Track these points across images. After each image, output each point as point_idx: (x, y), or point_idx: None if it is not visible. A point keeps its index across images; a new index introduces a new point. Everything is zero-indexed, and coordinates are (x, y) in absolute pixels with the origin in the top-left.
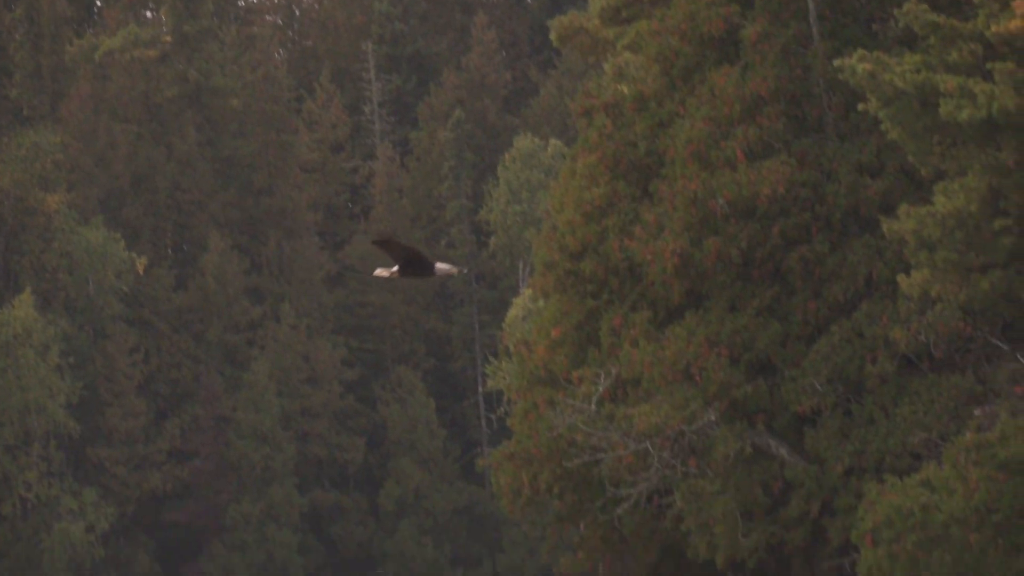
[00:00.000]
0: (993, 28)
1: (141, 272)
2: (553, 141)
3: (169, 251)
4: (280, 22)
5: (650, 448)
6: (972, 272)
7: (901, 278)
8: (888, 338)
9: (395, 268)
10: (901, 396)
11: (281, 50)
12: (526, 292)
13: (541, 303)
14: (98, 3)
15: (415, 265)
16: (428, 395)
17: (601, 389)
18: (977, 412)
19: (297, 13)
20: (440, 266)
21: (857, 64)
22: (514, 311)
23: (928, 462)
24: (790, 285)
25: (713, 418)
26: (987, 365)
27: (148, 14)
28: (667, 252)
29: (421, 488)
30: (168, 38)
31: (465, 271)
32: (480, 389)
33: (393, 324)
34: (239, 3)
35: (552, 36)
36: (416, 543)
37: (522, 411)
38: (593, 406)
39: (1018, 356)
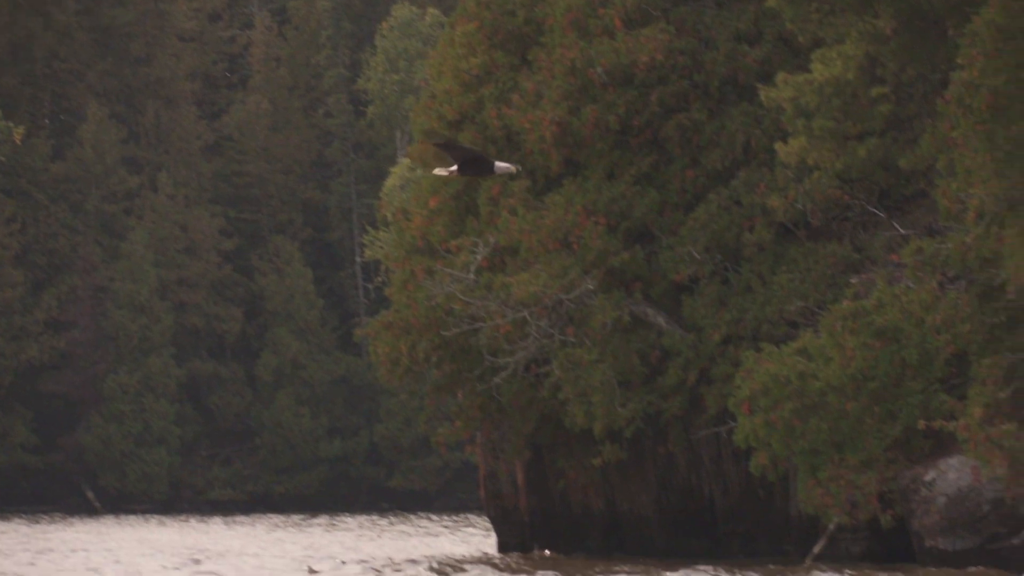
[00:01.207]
0: None
1: (18, 142)
2: (431, 10)
3: (46, 121)
4: None
5: (528, 317)
6: (849, 140)
7: (779, 146)
8: (765, 206)
9: (454, 167)
10: (778, 264)
11: None
12: (404, 161)
13: (419, 172)
14: None
15: (474, 164)
16: (306, 265)
17: (479, 258)
18: (854, 280)
19: None
20: (499, 165)
21: None
22: (392, 180)
23: (805, 330)
24: (668, 153)
25: (591, 287)
26: (864, 233)
27: None
28: (545, 121)
29: (298, 358)
30: None
31: (519, 169)
32: (358, 259)
33: (270, 194)
34: None
35: None
36: (293, 413)
37: (400, 281)
38: (471, 275)
39: (895, 224)
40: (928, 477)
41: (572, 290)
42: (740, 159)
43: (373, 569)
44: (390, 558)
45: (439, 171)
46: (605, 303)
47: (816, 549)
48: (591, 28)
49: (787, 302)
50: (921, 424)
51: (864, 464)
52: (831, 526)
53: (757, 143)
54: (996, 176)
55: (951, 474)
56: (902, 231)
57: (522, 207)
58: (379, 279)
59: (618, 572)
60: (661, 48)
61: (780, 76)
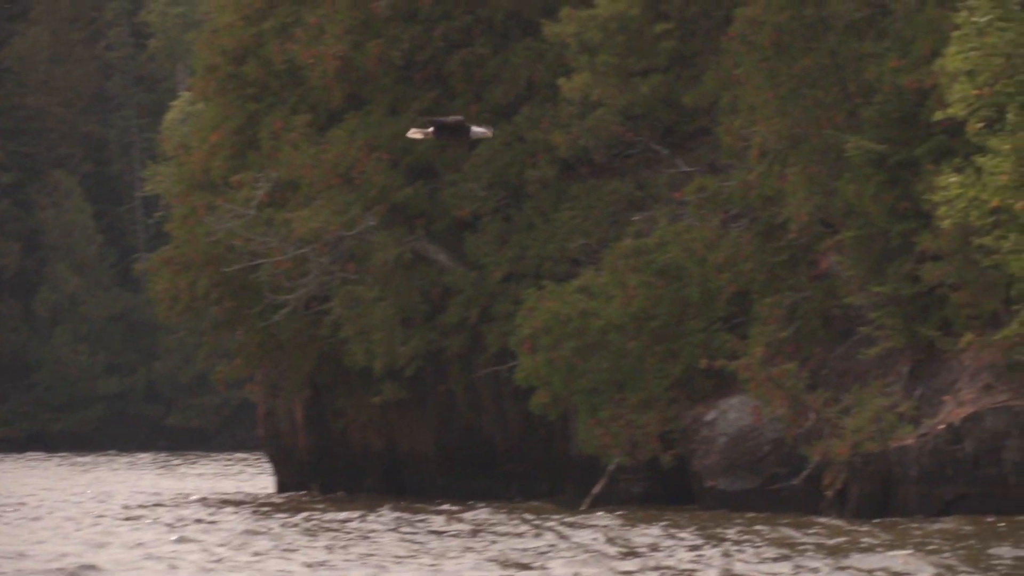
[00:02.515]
0: None
1: None
2: None
3: None
4: None
5: (309, 254)
6: (633, 76)
7: (562, 82)
8: (548, 143)
9: (430, 129)
10: (561, 202)
11: None
12: (185, 95)
13: (200, 106)
14: None
15: (451, 130)
16: (85, 199)
17: (260, 193)
18: (636, 218)
19: None
20: (475, 129)
21: None
22: (172, 114)
23: (587, 268)
24: (451, 88)
25: (373, 223)
26: (647, 170)
27: None
28: (328, 55)
29: (76, 294)
30: None
31: (494, 132)
32: (138, 194)
33: (50, 127)
34: None
35: None
36: (71, 350)
37: (180, 216)
38: (252, 211)
39: (677, 161)
40: (709, 417)
41: (354, 226)
42: (523, 95)
43: (142, 507)
44: (164, 497)
45: (414, 133)
46: (387, 240)
47: (596, 490)
48: None
49: (569, 240)
50: (702, 363)
51: (645, 404)
52: (611, 466)
53: (540, 79)
54: (779, 114)
55: (732, 414)
56: (685, 168)
57: (304, 142)
58: (159, 214)
59: (394, 511)
60: None
61: (564, 11)
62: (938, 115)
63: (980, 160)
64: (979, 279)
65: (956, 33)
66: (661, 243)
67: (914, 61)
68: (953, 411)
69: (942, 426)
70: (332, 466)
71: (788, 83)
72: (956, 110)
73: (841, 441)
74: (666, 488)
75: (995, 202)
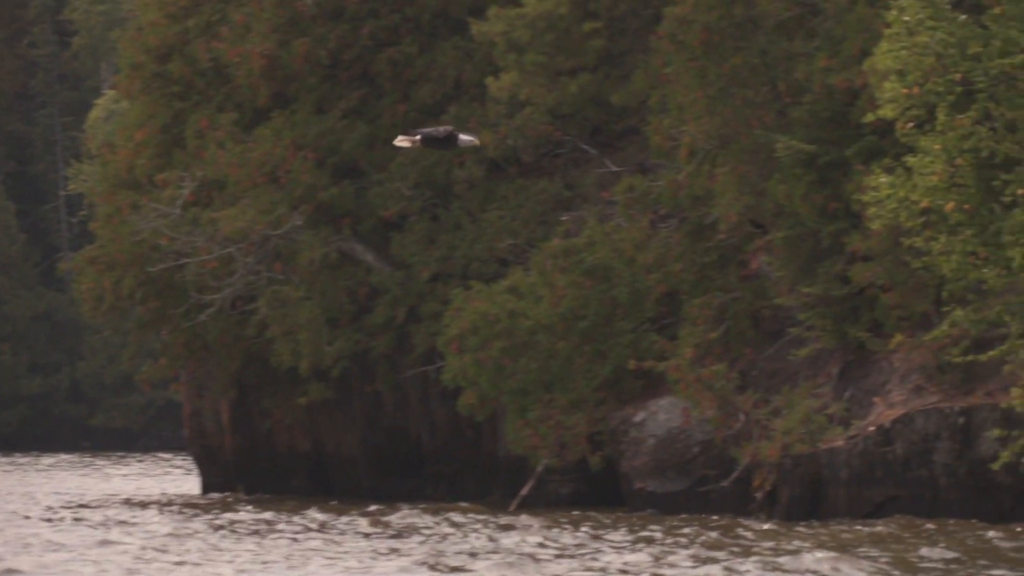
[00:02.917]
0: None
1: None
2: None
3: None
4: None
5: (235, 253)
6: (561, 75)
7: (490, 81)
8: None
9: (417, 137)
10: (489, 201)
11: None
12: (109, 93)
13: (125, 104)
14: None
15: (439, 139)
16: (7, 198)
17: (186, 192)
18: (564, 218)
19: None
20: (463, 138)
21: None
22: (96, 112)
23: (515, 268)
24: (379, 87)
25: (299, 222)
26: (575, 170)
27: None
28: (254, 53)
29: (0, 294)
30: None
31: (482, 144)
32: (62, 192)
33: None
34: None
35: None
36: None
37: (105, 215)
38: (177, 210)
39: (606, 161)
40: (638, 418)
41: (280, 226)
42: (451, 94)
43: (66, 508)
44: (89, 498)
45: (401, 141)
46: (313, 239)
47: (524, 491)
48: None
49: (497, 239)
50: (631, 364)
51: (573, 405)
52: (539, 468)
53: (468, 78)
54: (708, 113)
55: (661, 415)
56: (613, 168)
57: (230, 140)
58: (83, 213)
59: (320, 512)
60: None
61: (492, 10)
62: (869, 117)
63: (910, 160)
64: (909, 280)
65: (888, 31)
66: (590, 243)
67: (844, 61)
68: (883, 413)
69: (872, 428)
70: (258, 467)
71: (717, 82)
72: (886, 110)
73: (771, 443)
74: (595, 490)
75: (925, 203)
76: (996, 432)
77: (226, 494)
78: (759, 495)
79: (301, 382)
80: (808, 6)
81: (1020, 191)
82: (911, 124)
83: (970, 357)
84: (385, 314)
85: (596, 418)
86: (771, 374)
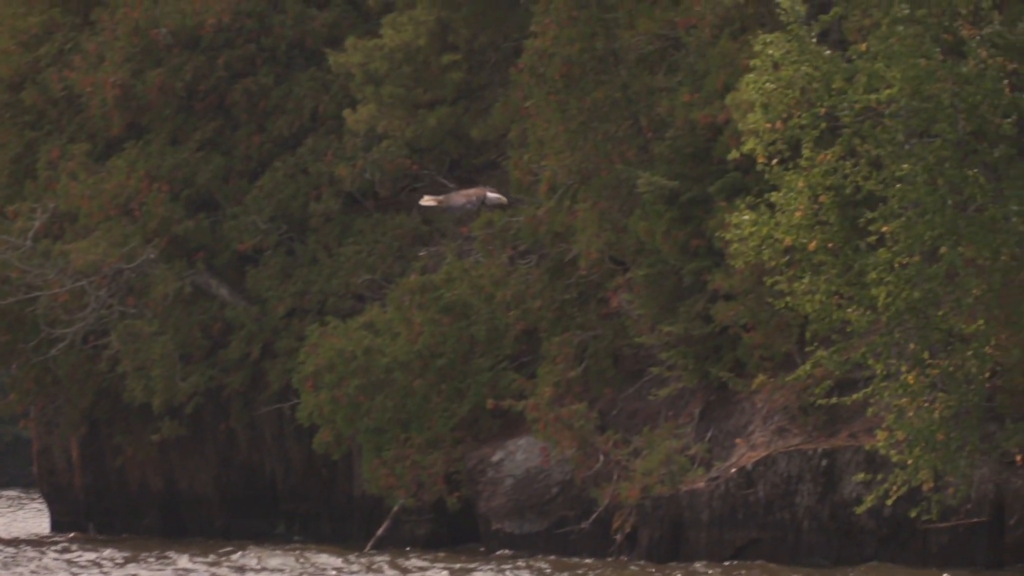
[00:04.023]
0: None
1: None
2: None
3: None
4: None
5: (87, 287)
6: (420, 108)
7: (347, 113)
8: (333, 175)
9: (442, 197)
10: (345, 236)
11: None
12: None
13: None
14: None
15: (463, 196)
16: None
17: (37, 224)
18: (422, 253)
19: None
20: (491, 196)
21: None
22: None
23: (372, 304)
24: (234, 119)
25: (152, 256)
26: None
27: None
28: (107, 83)
29: None
30: None
31: (508, 201)
32: None
33: None
34: None
35: None
36: None
37: None
38: (29, 242)
39: None
40: (496, 458)
41: (133, 259)
42: (308, 126)
43: None
44: None
45: (428, 200)
46: (167, 273)
47: (380, 531)
48: None
49: (354, 275)
50: (490, 403)
51: (430, 444)
52: (396, 507)
53: (325, 110)
54: (569, 148)
55: (519, 455)
56: None
57: (83, 172)
58: None
59: (168, 552)
60: (228, 10)
61: (349, 41)
62: (733, 154)
63: (774, 197)
64: (772, 319)
65: (754, 61)
66: (448, 279)
67: (707, 96)
68: (745, 454)
69: (734, 469)
70: (109, 505)
71: (578, 117)
72: (750, 144)
73: (631, 483)
74: (452, 530)
75: (788, 241)
76: (860, 476)
77: (76, 533)
78: (619, 537)
79: (154, 419)
80: (670, 40)
81: (884, 229)
82: (775, 160)
83: (834, 399)
84: (240, 350)
85: (453, 457)
86: (631, 414)
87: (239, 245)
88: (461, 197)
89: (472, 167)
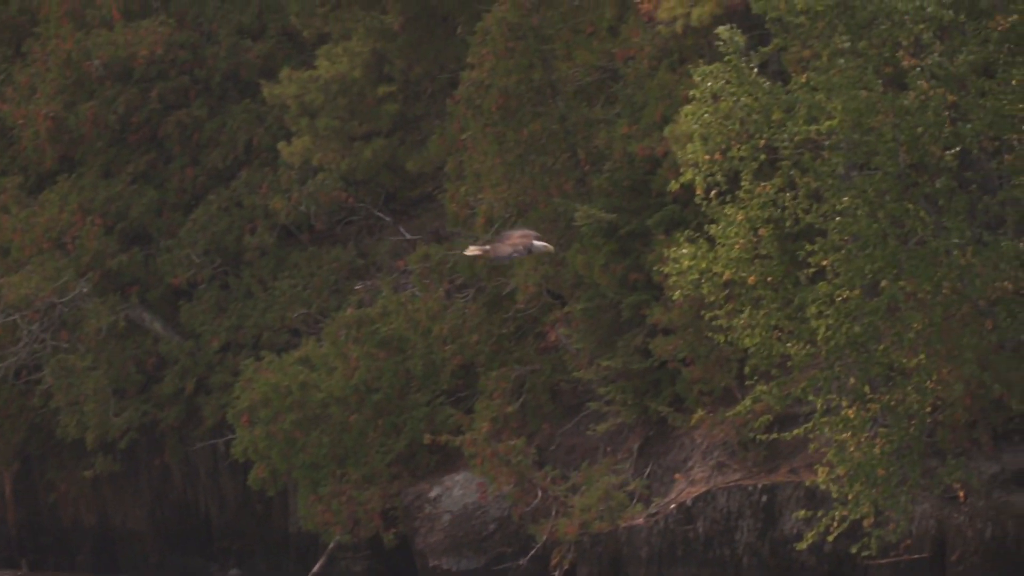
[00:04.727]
0: None
1: None
2: None
3: None
4: None
5: (19, 321)
6: (355, 140)
7: (282, 146)
8: (268, 208)
9: (488, 246)
10: (280, 269)
11: None
12: None
13: None
14: None
15: (510, 246)
16: None
17: None
18: (358, 287)
19: None
20: (537, 244)
21: None
22: None
23: (307, 339)
24: (167, 151)
25: (86, 290)
26: (369, 238)
27: None
28: (39, 115)
29: None
30: None
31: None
32: None
33: None
34: None
35: None
36: None
37: None
38: None
39: (401, 229)
40: (433, 494)
41: (66, 293)
42: (242, 158)
43: None
44: None
45: (473, 250)
46: (100, 307)
47: (316, 568)
48: (88, 19)
49: (289, 309)
50: (426, 438)
51: (367, 479)
52: (332, 544)
53: (260, 142)
54: (506, 180)
55: (456, 491)
56: (408, 236)
57: (14, 205)
58: None
59: None
60: (161, 41)
61: (284, 72)
62: (673, 186)
63: (713, 230)
64: (711, 354)
65: (692, 92)
66: (384, 313)
67: (645, 128)
68: (685, 490)
69: (673, 505)
70: (42, 542)
71: (515, 149)
72: (688, 175)
73: (569, 520)
74: (388, 567)
75: (727, 275)
76: (801, 513)
77: (8, 571)
78: (557, 574)
79: (87, 454)
80: (608, 72)
81: (824, 262)
82: (714, 192)
83: (774, 434)
84: (174, 385)
85: (390, 493)
86: (570, 449)
87: (173, 279)
88: (507, 247)
89: (408, 200)
